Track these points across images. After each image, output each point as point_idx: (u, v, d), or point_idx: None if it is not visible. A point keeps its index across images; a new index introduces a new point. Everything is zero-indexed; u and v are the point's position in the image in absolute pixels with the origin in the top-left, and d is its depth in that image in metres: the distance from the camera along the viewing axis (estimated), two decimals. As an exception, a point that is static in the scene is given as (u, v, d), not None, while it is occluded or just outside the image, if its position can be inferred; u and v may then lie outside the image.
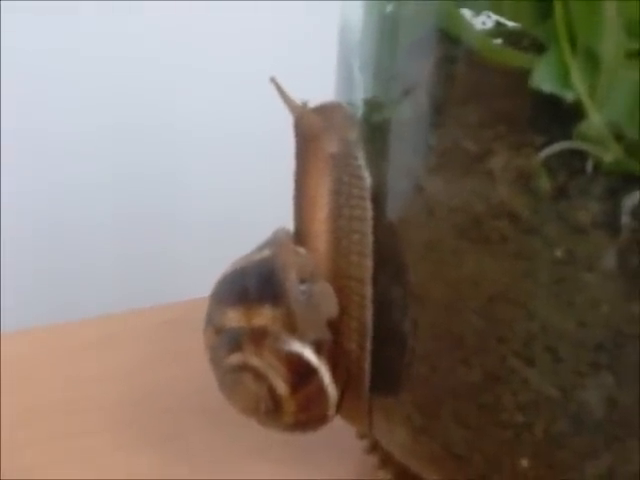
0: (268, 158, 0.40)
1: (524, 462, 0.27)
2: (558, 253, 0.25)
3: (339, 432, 0.37)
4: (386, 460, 0.34)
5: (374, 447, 0.35)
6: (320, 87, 0.31)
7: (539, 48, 0.26)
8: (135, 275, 0.63)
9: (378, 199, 0.29)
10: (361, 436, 0.36)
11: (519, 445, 0.27)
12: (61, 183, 0.60)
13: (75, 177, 0.60)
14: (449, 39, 0.28)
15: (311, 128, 0.30)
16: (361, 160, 0.30)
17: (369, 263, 0.29)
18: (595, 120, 0.25)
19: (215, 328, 0.31)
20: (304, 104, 0.30)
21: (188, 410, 0.41)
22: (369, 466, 0.36)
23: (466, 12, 0.28)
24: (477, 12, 0.28)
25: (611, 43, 0.24)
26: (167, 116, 0.60)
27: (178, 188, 0.63)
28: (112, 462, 0.38)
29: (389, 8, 0.29)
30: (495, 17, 0.29)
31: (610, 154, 0.25)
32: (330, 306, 0.30)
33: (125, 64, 0.58)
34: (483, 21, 0.29)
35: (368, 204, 0.29)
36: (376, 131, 0.30)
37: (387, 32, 0.29)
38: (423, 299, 0.28)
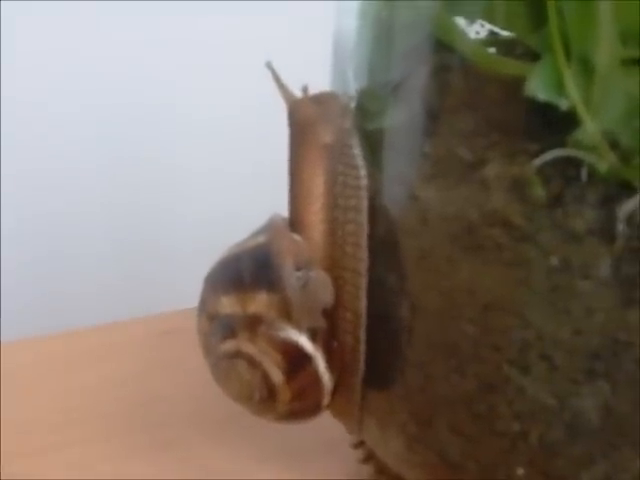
0: (268, 163, 0.40)
1: (520, 471, 0.27)
2: (553, 261, 0.25)
3: (335, 442, 0.37)
4: (381, 470, 0.34)
5: (369, 457, 0.35)
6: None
7: (533, 57, 0.26)
8: (134, 284, 0.63)
9: (372, 208, 0.29)
10: (356, 445, 0.36)
11: (514, 454, 0.27)
12: (60, 191, 0.60)
13: (74, 185, 0.60)
14: (443, 47, 0.28)
15: (306, 117, 0.30)
16: (356, 149, 0.30)
17: (364, 254, 0.29)
18: (590, 128, 0.25)
19: (208, 315, 0.31)
20: (304, 88, 0.30)
21: (187, 419, 0.41)
22: (365, 476, 0.36)
23: (460, 21, 0.28)
24: (471, 21, 0.28)
25: (606, 51, 0.24)
26: (166, 113, 0.61)
27: (177, 196, 0.63)
28: (111, 471, 0.38)
29: (383, 16, 0.29)
30: (489, 26, 0.29)
31: (605, 162, 0.25)
32: (326, 294, 0.29)
33: (124, 57, 0.58)
34: (477, 30, 0.29)
35: (363, 194, 0.29)
36: (370, 139, 0.30)
37: (381, 39, 0.29)
38: (418, 307, 0.28)
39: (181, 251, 0.63)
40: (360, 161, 0.29)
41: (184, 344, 0.38)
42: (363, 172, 0.29)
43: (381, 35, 0.29)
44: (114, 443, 0.39)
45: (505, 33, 0.29)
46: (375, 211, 0.29)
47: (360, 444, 0.36)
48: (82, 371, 0.44)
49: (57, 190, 0.60)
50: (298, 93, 0.31)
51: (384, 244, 0.29)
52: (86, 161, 0.60)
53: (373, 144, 0.29)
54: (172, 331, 0.46)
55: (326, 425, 0.33)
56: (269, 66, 0.30)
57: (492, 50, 0.29)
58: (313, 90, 0.30)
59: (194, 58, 0.60)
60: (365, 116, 0.30)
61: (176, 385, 0.43)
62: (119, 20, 0.57)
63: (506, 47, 0.29)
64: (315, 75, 0.31)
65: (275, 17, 0.59)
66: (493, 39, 0.29)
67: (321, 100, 0.30)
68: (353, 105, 0.31)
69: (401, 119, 0.29)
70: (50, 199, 0.60)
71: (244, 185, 0.62)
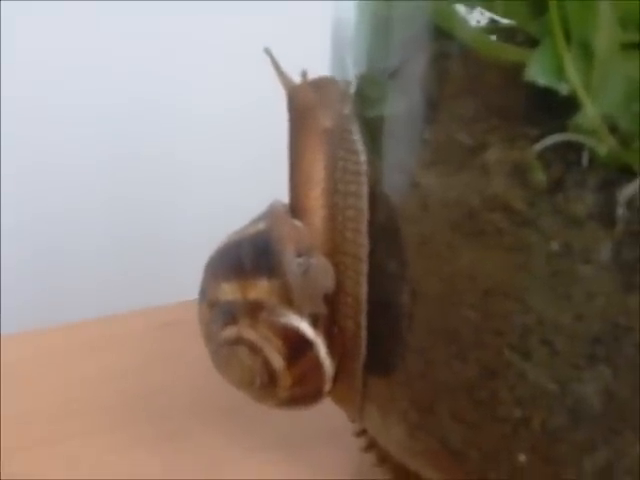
0: (267, 157, 0.40)
1: (522, 457, 0.27)
2: (554, 246, 0.25)
3: (337, 431, 0.37)
4: (383, 458, 0.34)
5: (371, 445, 0.35)
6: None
7: (533, 44, 0.26)
8: (134, 277, 0.63)
9: (373, 195, 0.29)
10: (358, 434, 0.36)
11: (516, 440, 0.27)
12: (60, 186, 0.60)
13: (74, 181, 0.60)
14: (442, 34, 0.28)
15: (305, 102, 0.30)
16: (356, 135, 0.29)
17: (364, 240, 0.29)
18: (590, 112, 0.25)
19: (209, 302, 0.31)
20: (303, 73, 0.30)
21: (188, 410, 0.41)
22: (367, 465, 0.36)
23: (460, 9, 0.28)
24: (470, 8, 0.28)
25: (605, 35, 0.24)
26: (166, 109, 0.61)
27: (176, 189, 0.63)
28: (112, 462, 0.38)
29: (382, 4, 0.29)
30: (489, 15, 0.29)
31: (605, 146, 0.25)
32: (327, 280, 0.29)
33: (124, 54, 0.58)
34: (477, 19, 0.29)
35: (364, 179, 0.29)
36: (370, 126, 0.30)
37: (380, 27, 0.29)
38: (419, 293, 0.28)
39: (181, 243, 0.63)
40: (360, 146, 0.29)
41: (184, 336, 0.38)
42: (363, 157, 0.29)
43: (380, 23, 0.29)
44: (115, 435, 0.39)
45: (505, 21, 0.29)
46: (376, 198, 0.29)
47: (362, 433, 0.36)
48: (82, 363, 0.44)
49: (57, 185, 0.60)
50: (297, 80, 0.31)
51: (385, 231, 0.29)
52: (86, 157, 0.60)
53: (373, 131, 0.29)
54: (172, 323, 0.46)
55: (328, 414, 0.33)
56: (268, 52, 0.30)
57: (492, 38, 0.29)
58: (312, 76, 0.30)
59: (193, 54, 0.60)
60: (365, 103, 0.30)
61: (177, 377, 0.43)
62: (119, 18, 0.57)
63: (506, 35, 0.29)
64: (314, 65, 0.31)
65: (274, 15, 0.59)
66: (493, 27, 0.29)
67: (320, 85, 0.30)
68: (352, 90, 0.31)
69: (401, 106, 0.29)
70: (50, 194, 0.60)
71: (243, 179, 0.62)
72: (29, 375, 0.43)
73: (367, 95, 0.30)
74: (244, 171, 0.63)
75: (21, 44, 0.55)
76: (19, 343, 0.45)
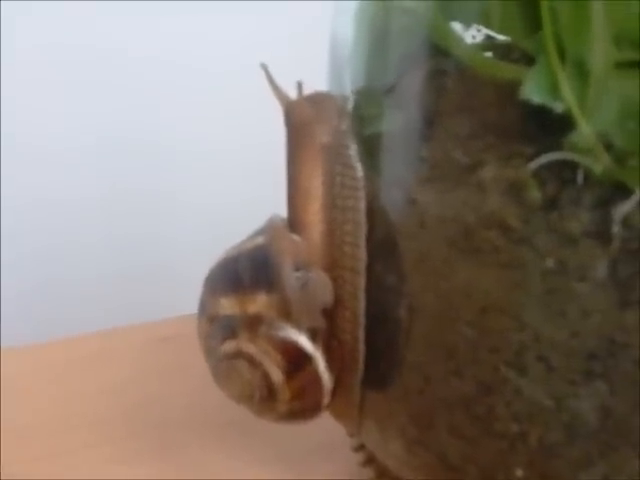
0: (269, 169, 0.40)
1: (519, 472, 0.27)
2: (549, 263, 0.25)
3: (335, 445, 0.37)
4: (382, 473, 0.34)
5: (370, 460, 0.35)
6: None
7: (529, 61, 0.26)
8: (133, 291, 0.63)
9: (371, 211, 0.29)
10: (356, 449, 0.36)
11: (513, 455, 0.27)
12: (60, 196, 0.60)
13: (73, 190, 0.60)
14: (439, 52, 0.28)
15: (302, 118, 0.30)
16: (353, 150, 0.30)
17: (362, 253, 0.29)
18: (585, 130, 0.25)
19: (208, 317, 0.31)
20: (299, 84, 0.30)
21: (187, 424, 0.41)
22: (365, 479, 0.36)
23: (456, 26, 0.28)
24: (467, 26, 0.28)
25: (600, 53, 0.24)
26: (167, 114, 0.61)
27: (177, 203, 0.64)
28: (111, 476, 0.38)
29: (379, 20, 0.30)
30: (485, 31, 0.29)
31: (600, 164, 0.25)
32: (325, 294, 0.29)
33: (125, 53, 0.58)
34: (473, 35, 0.29)
35: (361, 194, 0.29)
36: (367, 144, 0.30)
37: (377, 44, 0.30)
38: (416, 309, 0.28)
39: (181, 258, 0.63)
40: (357, 161, 0.29)
41: (183, 350, 0.38)
42: (360, 173, 0.29)
43: (377, 40, 0.30)
44: (114, 448, 0.40)
45: (501, 37, 0.29)
46: (374, 214, 0.29)
47: (360, 447, 0.36)
48: (82, 377, 0.44)
49: (57, 195, 0.60)
50: (294, 95, 0.31)
51: (383, 246, 0.29)
52: (85, 164, 0.60)
53: (370, 149, 0.30)
54: (171, 337, 0.46)
55: (326, 429, 0.33)
56: (263, 68, 0.30)
57: (488, 55, 0.29)
58: (308, 89, 0.31)
59: (195, 56, 0.60)
60: (362, 121, 0.30)
61: (176, 390, 0.43)
62: (119, 18, 0.57)
63: (502, 52, 0.29)
64: (312, 82, 0.31)
65: (273, 17, 0.59)
66: (489, 44, 0.29)
67: (317, 100, 0.30)
68: (350, 106, 0.31)
69: (398, 123, 0.29)
70: (49, 205, 0.60)
71: (244, 191, 0.62)
72: (29, 388, 0.43)
73: (364, 112, 0.30)
74: (243, 174, 0.63)
75: (21, 44, 0.55)
76: (19, 356, 0.45)
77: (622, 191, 0.25)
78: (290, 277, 0.29)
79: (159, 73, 0.60)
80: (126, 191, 0.62)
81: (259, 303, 0.29)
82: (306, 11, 0.52)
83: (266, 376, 0.29)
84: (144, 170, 0.62)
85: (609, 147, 0.25)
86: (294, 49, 0.52)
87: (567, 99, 0.25)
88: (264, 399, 0.30)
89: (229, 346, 0.30)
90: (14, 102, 0.56)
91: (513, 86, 0.25)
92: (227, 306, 0.30)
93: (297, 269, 0.29)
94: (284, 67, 0.31)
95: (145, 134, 0.61)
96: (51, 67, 0.57)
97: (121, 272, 0.63)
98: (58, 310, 0.61)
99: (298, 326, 0.29)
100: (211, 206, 0.63)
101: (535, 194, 0.25)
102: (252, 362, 0.29)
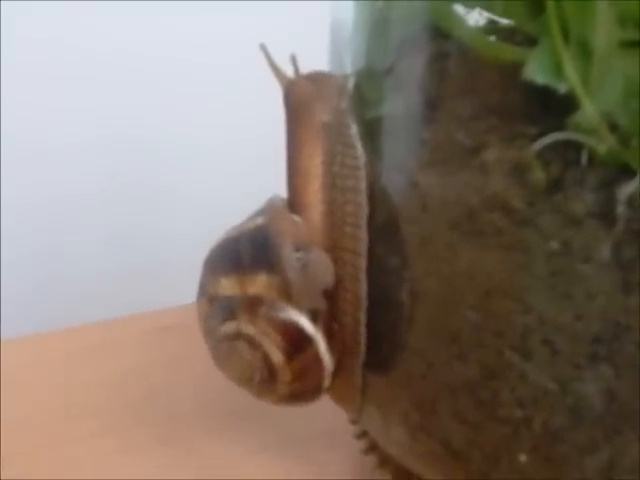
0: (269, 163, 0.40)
1: (523, 457, 0.27)
2: (553, 245, 0.25)
3: (338, 432, 0.37)
4: (384, 460, 0.34)
5: (372, 447, 0.35)
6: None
7: (531, 44, 0.26)
8: (133, 281, 0.63)
9: (373, 194, 0.29)
10: (359, 436, 0.36)
11: (518, 440, 0.27)
12: (60, 191, 0.60)
13: (73, 185, 0.60)
14: (441, 35, 0.28)
15: (302, 96, 0.30)
16: (353, 129, 0.29)
17: (363, 234, 0.29)
18: (589, 110, 0.24)
19: (208, 297, 0.31)
20: (292, 58, 0.30)
21: (188, 414, 0.41)
22: (368, 467, 0.36)
23: (459, 9, 0.28)
24: (469, 9, 0.28)
25: (603, 33, 0.24)
26: (166, 115, 0.61)
27: (177, 194, 0.63)
28: (113, 466, 0.38)
29: (380, 4, 0.29)
30: (487, 15, 0.29)
31: (604, 144, 0.25)
32: (326, 275, 0.29)
33: (125, 51, 0.58)
34: (476, 19, 0.29)
35: (362, 174, 0.29)
36: (369, 127, 0.30)
37: (379, 28, 0.29)
38: (419, 293, 0.28)
39: (181, 247, 0.63)
40: (357, 141, 0.29)
41: (184, 340, 0.38)
42: (361, 152, 0.29)
43: (378, 23, 0.29)
44: (115, 439, 0.40)
45: (504, 21, 0.29)
46: (375, 198, 0.29)
47: (363, 435, 0.36)
48: (82, 367, 0.44)
49: (56, 189, 0.60)
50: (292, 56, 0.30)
51: (384, 229, 0.29)
52: (86, 160, 0.60)
53: (372, 132, 0.29)
54: (172, 327, 0.46)
55: (328, 416, 0.33)
56: (263, 48, 0.30)
57: (491, 38, 0.29)
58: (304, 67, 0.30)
59: (194, 50, 0.60)
60: (363, 104, 0.30)
61: (177, 380, 0.43)
62: (119, 18, 0.57)
63: (505, 35, 0.28)
64: (313, 65, 0.31)
65: (273, 15, 0.59)
66: (492, 27, 0.29)
67: (316, 79, 0.30)
68: (350, 85, 0.30)
69: (400, 106, 0.29)
70: (49, 199, 0.60)
71: (242, 175, 0.62)
72: (29, 379, 0.43)
73: (366, 95, 0.30)
74: (243, 168, 0.62)
75: (21, 44, 0.55)
76: (19, 347, 0.45)
77: (626, 172, 0.24)
78: (290, 258, 0.29)
79: (158, 69, 0.59)
80: (126, 185, 0.62)
81: (259, 284, 0.29)
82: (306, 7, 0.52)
83: (266, 357, 0.29)
84: (144, 164, 0.62)
85: (613, 127, 0.24)
86: (294, 35, 0.52)
87: (571, 79, 0.25)
88: (264, 380, 0.30)
89: (229, 327, 0.30)
90: (14, 98, 0.56)
91: (516, 67, 0.25)
92: (227, 287, 0.30)
93: (297, 250, 0.29)
94: (284, 53, 0.30)
95: (144, 129, 0.61)
96: (50, 63, 0.57)
97: (121, 267, 0.63)
98: (59, 306, 0.61)
99: (299, 307, 0.29)
100: (211, 200, 0.63)
101: (539, 175, 0.25)
102: (252, 343, 0.29)
